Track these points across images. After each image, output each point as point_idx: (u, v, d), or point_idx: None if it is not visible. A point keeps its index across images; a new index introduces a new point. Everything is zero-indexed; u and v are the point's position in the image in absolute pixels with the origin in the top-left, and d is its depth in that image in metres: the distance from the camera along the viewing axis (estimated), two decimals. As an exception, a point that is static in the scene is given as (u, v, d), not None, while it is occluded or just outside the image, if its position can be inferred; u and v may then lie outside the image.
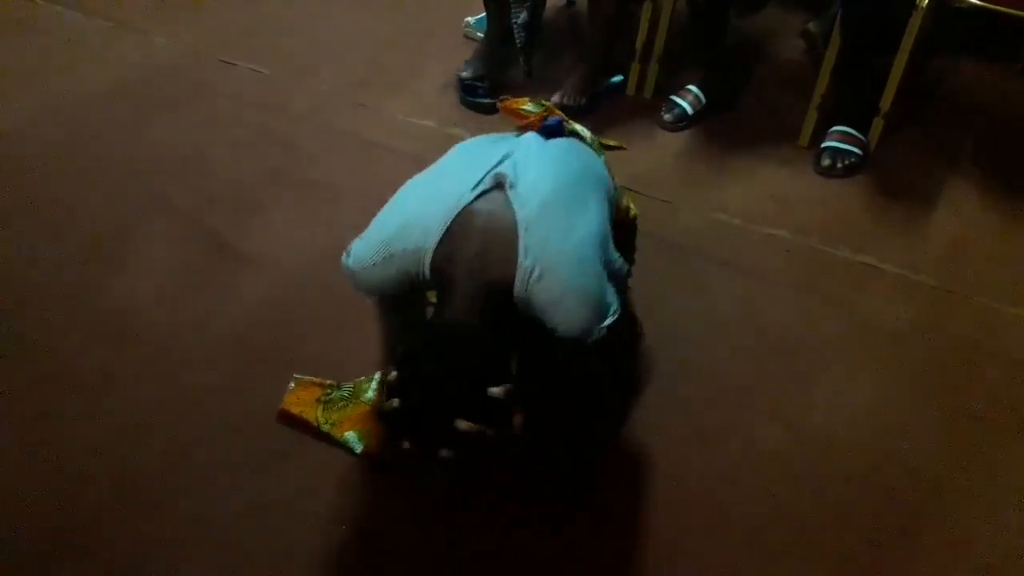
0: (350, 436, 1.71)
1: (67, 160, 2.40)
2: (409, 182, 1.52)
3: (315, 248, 2.12)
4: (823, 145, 2.49)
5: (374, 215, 1.49)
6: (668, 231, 2.24)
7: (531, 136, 1.60)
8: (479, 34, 2.86)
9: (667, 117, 2.61)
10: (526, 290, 1.35)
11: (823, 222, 2.31)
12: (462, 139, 1.69)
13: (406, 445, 1.28)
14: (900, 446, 1.79)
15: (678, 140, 2.59)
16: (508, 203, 1.39)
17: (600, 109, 2.64)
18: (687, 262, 2.18)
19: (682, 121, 2.61)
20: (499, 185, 1.42)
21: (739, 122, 2.65)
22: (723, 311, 2.06)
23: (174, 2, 3.11)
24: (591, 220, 1.44)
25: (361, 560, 1.59)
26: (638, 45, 2.68)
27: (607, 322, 1.39)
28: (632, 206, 1.77)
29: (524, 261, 1.35)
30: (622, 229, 1.68)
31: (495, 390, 1.28)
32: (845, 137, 2.48)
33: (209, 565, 1.56)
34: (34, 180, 2.33)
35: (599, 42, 2.62)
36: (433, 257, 1.37)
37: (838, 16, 2.40)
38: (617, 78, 2.72)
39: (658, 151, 2.55)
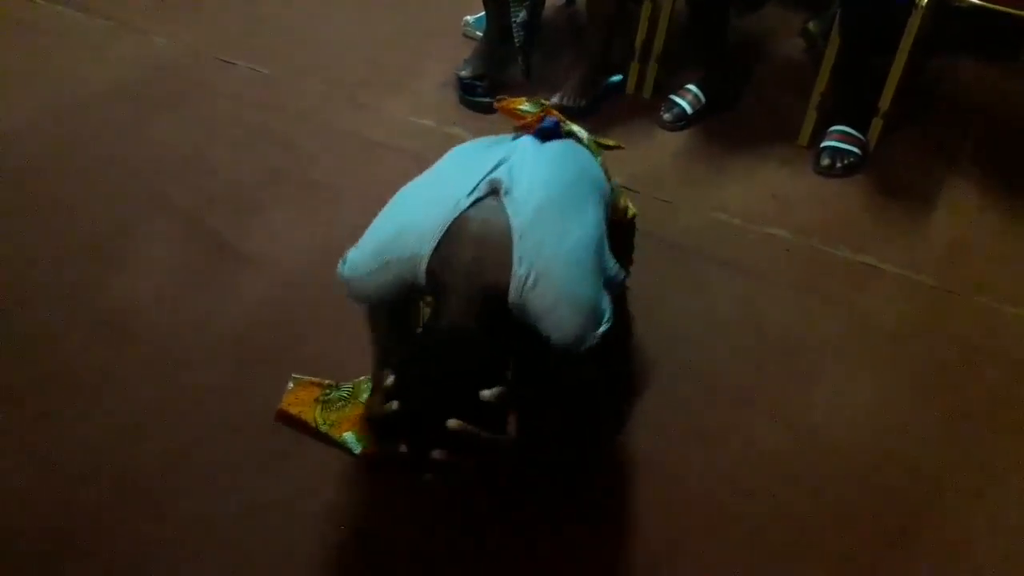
0: (348, 437, 1.71)
1: (67, 160, 2.40)
2: (404, 188, 1.52)
3: (315, 248, 2.12)
4: (823, 145, 2.49)
5: (374, 215, 1.49)
6: (668, 231, 2.23)
7: (527, 140, 1.59)
8: (478, 33, 2.85)
9: (666, 117, 2.61)
10: (521, 297, 1.35)
11: (823, 222, 2.31)
12: (462, 138, 1.69)
13: (403, 448, 1.28)
14: (900, 446, 1.79)
15: (677, 140, 2.59)
16: (503, 210, 1.39)
17: (600, 110, 2.64)
18: (687, 262, 2.18)
19: (681, 120, 2.61)
20: (494, 191, 1.41)
21: (739, 122, 2.65)
22: (723, 311, 2.06)
23: (174, 2, 3.11)
24: (586, 225, 1.44)
25: (361, 560, 1.59)
26: (637, 44, 2.68)
27: (601, 330, 1.38)
28: (631, 206, 1.77)
29: (519, 269, 1.35)
30: (621, 229, 1.68)
31: (488, 392, 1.28)
32: (844, 137, 2.48)
33: (209, 565, 1.56)
34: (34, 180, 2.33)
35: (598, 41, 2.61)
36: (429, 263, 1.37)
37: (837, 16, 2.40)
38: (616, 77, 2.72)
39: (657, 151, 2.54)
